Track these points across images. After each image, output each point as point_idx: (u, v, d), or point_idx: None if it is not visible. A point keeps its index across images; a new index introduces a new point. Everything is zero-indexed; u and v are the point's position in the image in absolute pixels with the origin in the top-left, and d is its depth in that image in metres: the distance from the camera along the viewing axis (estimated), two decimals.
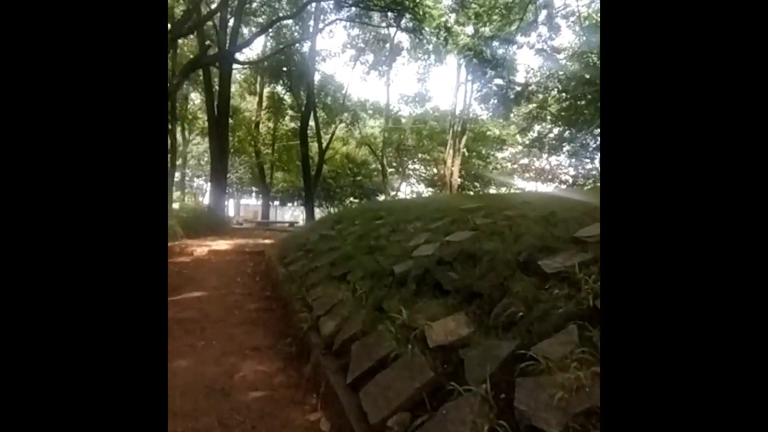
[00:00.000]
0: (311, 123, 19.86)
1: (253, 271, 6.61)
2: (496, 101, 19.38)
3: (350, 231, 5.81)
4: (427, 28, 13.10)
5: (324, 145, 20.51)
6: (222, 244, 9.04)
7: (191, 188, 32.73)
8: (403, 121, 24.12)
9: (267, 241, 10.17)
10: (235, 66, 14.76)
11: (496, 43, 14.53)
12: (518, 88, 16.77)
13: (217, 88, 12.90)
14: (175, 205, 17.56)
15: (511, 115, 19.33)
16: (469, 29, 15.39)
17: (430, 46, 23.17)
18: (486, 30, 13.12)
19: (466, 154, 22.53)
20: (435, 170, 26.25)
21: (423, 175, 27.69)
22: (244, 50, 16.32)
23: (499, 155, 26.59)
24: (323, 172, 21.36)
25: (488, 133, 23.53)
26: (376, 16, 17.18)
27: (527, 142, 22.19)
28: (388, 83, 23.02)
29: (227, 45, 11.20)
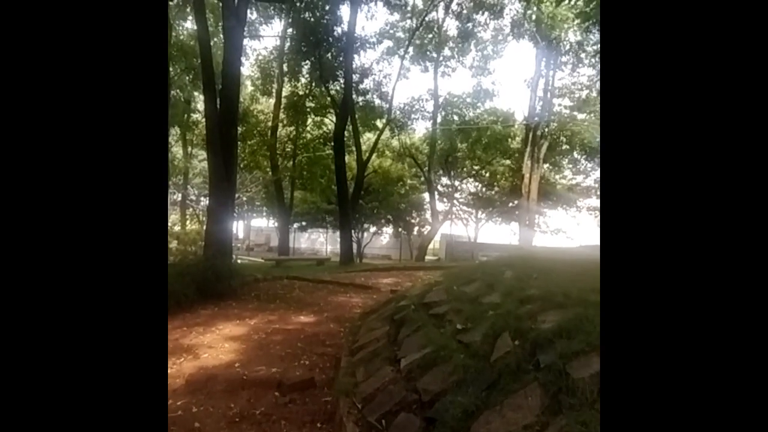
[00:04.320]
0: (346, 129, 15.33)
1: None
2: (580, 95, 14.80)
3: None
4: None
5: (362, 156, 15.98)
6: (224, 343, 4.33)
7: (195, 210, 28.08)
8: (455, 126, 19.24)
9: (308, 320, 5.47)
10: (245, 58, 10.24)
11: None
12: None
13: (220, 85, 8.46)
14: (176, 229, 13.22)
15: None
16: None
17: (487, 34, 18.91)
18: None
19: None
20: (496, 186, 21.30)
21: (478, 193, 22.65)
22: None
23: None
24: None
25: (562, 138, 18.53)
26: None
27: None
28: (435, 79, 18.28)
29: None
